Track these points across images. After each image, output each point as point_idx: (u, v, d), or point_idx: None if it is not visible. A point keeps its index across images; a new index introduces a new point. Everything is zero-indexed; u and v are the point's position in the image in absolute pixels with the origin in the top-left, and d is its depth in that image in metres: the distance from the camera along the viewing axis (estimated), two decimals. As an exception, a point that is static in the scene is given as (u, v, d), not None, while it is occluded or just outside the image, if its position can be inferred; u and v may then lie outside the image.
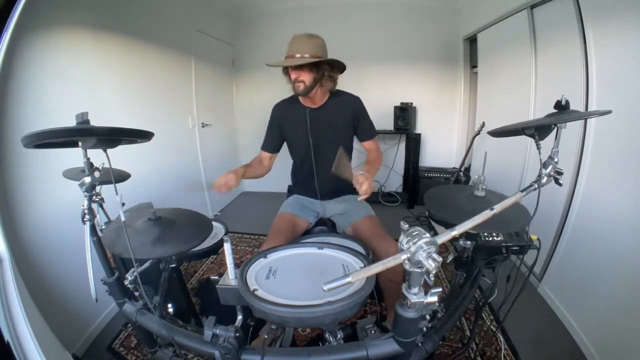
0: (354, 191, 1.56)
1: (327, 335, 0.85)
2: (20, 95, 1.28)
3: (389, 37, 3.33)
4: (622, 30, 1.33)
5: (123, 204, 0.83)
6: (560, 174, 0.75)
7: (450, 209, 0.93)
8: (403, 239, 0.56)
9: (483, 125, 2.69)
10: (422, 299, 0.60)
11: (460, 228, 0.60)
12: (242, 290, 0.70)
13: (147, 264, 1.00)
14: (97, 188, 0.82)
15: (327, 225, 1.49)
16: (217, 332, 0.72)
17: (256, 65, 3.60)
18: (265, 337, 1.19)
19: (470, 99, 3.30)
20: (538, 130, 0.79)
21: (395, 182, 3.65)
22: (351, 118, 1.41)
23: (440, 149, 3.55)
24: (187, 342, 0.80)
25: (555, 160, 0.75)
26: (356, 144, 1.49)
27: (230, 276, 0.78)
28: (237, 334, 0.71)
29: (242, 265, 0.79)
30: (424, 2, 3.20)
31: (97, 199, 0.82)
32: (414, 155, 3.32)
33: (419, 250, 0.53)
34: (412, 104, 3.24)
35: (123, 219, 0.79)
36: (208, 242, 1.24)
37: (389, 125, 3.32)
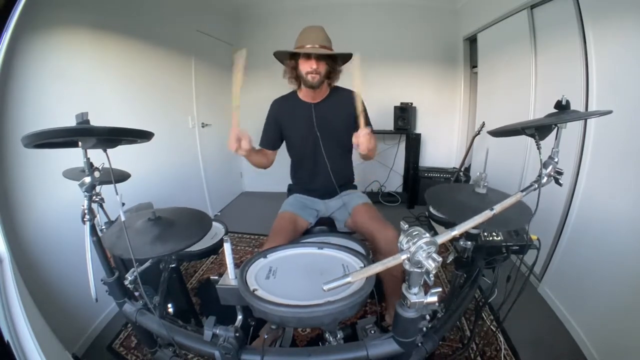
0: (354, 188, 1.57)
1: (327, 335, 0.85)
2: (20, 95, 1.28)
3: (389, 37, 3.33)
4: (622, 30, 1.33)
5: (123, 204, 0.83)
6: (560, 173, 0.75)
7: (451, 206, 0.93)
8: (403, 239, 0.56)
9: (483, 125, 2.69)
10: (422, 299, 0.60)
11: (461, 228, 0.60)
12: (242, 290, 0.70)
13: (147, 264, 1.00)
14: (97, 188, 0.82)
15: (327, 225, 1.49)
16: (217, 332, 0.72)
17: (256, 66, 3.59)
18: (265, 337, 1.19)
19: (470, 99, 3.30)
20: (538, 130, 0.79)
21: (395, 182, 3.65)
22: (352, 113, 1.41)
23: (440, 149, 3.55)
24: (187, 342, 0.80)
25: (556, 160, 0.75)
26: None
27: (230, 276, 0.78)
28: (237, 334, 0.71)
29: (242, 265, 0.79)
30: (424, 2, 3.20)
31: (97, 199, 0.82)
32: (414, 155, 3.32)
33: (419, 250, 0.53)
34: (412, 104, 3.24)
35: (123, 218, 0.79)
36: (208, 242, 1.24)
37: (389, 125, 3.32)
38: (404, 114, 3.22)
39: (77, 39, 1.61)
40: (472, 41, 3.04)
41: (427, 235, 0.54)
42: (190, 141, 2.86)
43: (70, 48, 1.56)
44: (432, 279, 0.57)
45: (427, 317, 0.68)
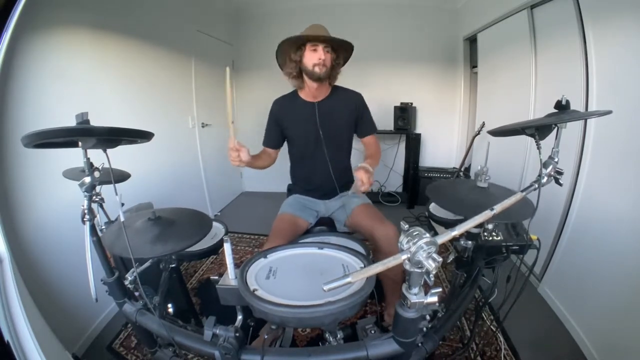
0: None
1: (327, 335, 0.85)
2: (20, 95, 1.28)
3: (389, 37, 3.33)
4: (622, 30, 1.33)
5: (122, 204, 0.83)
6: (560, 173, 0.75)
7: (453, 200, 0.93)
8: (403, 239, 0.56)
9: (483, 125, 2.69)
10: (422, 299, 0.60)
11: (461, 228, 0.60)
12: (242, 290, 0.70)
13: (147, 264, 1.00)
14: (97, 188, 0.82)
15: (327, 225, 1.49)
16: (217, 332, 0.72)
17: (256, 66, 3.61)
18: (265, 337, 1.19)
19: (470, 99, 3.30)
20: (538, 130, 0.79)
21: (395, 182, 3.65)
22: (354, 114, 1.42)
23: (440, 149, 3.56)
24: (187, 342, 0.80)
25: (556, 160, 0.75)
26: (355, 143, 1.49)
27: (230, 276, 0.78)
28: (237, 334, 0.71)
29: (242, 265, 0.79)
30: (424, 2, 3.20)
31: (97, 199, 0.82)
32: (414, 155, 3.32)
33: (419, 250, 0.53)
34: (412, 104, 3.24)
35: (122, 219, 0.79)
36: (208, 242, 1.24)
37: (389, 125, 3.32)
38: (404, 114, 3.22)
39: (77, 39, 1.61)
40: (472, 41, 3.04)
41: (427, 235, 0.54)
42: (190, 141, 2.86)
43: (70, 48, 1.56)
44: (432, 279, 0.57)
45: (427, 317, 0.68)
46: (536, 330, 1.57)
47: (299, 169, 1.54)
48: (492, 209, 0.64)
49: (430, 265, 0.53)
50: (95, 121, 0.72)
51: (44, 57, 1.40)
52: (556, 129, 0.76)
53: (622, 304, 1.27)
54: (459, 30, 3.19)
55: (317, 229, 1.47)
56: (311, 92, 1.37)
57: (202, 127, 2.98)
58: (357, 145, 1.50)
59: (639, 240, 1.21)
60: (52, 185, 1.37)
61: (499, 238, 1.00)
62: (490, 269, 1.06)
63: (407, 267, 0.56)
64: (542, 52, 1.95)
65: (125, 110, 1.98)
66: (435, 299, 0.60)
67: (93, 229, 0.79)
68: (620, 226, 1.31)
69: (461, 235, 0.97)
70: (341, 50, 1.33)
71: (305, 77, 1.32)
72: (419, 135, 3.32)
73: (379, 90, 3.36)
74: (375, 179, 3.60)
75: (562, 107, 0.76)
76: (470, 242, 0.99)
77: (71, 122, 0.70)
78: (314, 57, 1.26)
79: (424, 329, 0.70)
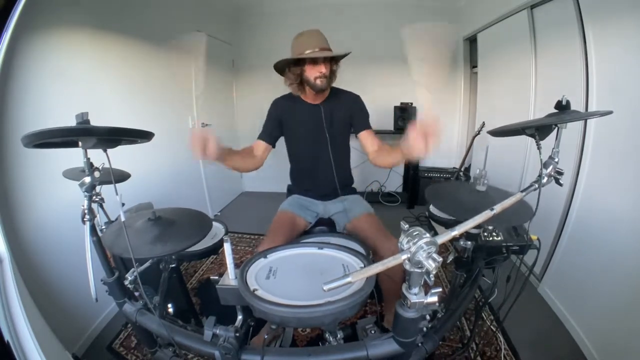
0: (354, 191, 1.57)
1: (327, 335, 0.85)
2: (20, 95, 1.28)
3: (389, 37, 3.33)
4: (622, 30, 1.33)
5: (123, 204, 0.83)
6: (560, 173, 0.75)
7: (452, 203, 0.93)
8: (403, 239, 0.56)
9: (483, 125, 2.68)
10: (422, 299, 0.60)
11: (461, 228, 0.60)
12: (242, 290, 0.70)
13: (147, 264, 1.00)
14: (97, 188, 0.82)
15: (326, 225, 1.49)
16: (217, 332, 0.72)
17: (256, 66, 3.60)
18: (265, 337, 1.19)
19: (470, 99, 3.30)
20: (538, 130, 0.79)
21: (395, 182, 3.65)
22: (350, 114, 1.41)
23: (440, 149, 3.54)
24: (187, 342, 0.80)
25: (556, 160, 0.75)
26: (354, 142, 1.49)
27: (230, 276, 0.78)
28: (237, 334, 0.71)
29: (242, 265, 0.79)
30: (424, 2, 3.20)
31: (97, 199, 0.82)
32: (414, 155, 3.31)
33: (419, 250, 0.53)
34: (412, 104, 3.23)
35: (123, 219, 0.79)
36: (208, 242, 1.24)
37: (389, 125, 3.31)
38: (404, 114, 3.22)
39: (77, 39, 1.61)
40: (472, 41, 3.04)
41: (427, 235, 0.54)
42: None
43: (70, 48, 1.56)
44: (432, 279, 0.57)
45: (427, 317, 0.68)
46: (536, 330, 1.57)
47: (299, 170, 1.54)
48: (492, 209, 0.64)
49: (430, 265, 0.53)
50: (95, 121, 0.72)
51: (44, 57, 1.40)
52: (556, 129, 0.76)
53: (622, 304, 1.26)
54: (459, 30, 3.19)
55: (317, 229, 1.48)
56: (312, 95, 1.37)
57: (202, 127, 2.98)
58: (356, 145, 1.49)
59: (639, 240, 1.21)
60: (52, 185, 1.37)
61: (499, 238, 1.00)
62: (490, 269, 1.06)
63: (407, 267, 0.56)
64: (542, 52, 1.95)
65: (125, 110, 1.98)
66: (435, 299, 0.60)
67: (93, 229, 0.79)
68: (620, 226, 1.31)
69: (461, 236, 0.97)
70: (339, 57, 1.32)
71: (307, 86, 1.32)
72: (419, 135, 3.31)
73: (379, 90, 3.36)
74: (375, 179, 3.61)
75: (562, 107, 0.76)
76: (470, 242, 0.99)
77: (71, 122, 0.70)
78: (315, 71, 1.25)
79: (424, 329, 0.70)
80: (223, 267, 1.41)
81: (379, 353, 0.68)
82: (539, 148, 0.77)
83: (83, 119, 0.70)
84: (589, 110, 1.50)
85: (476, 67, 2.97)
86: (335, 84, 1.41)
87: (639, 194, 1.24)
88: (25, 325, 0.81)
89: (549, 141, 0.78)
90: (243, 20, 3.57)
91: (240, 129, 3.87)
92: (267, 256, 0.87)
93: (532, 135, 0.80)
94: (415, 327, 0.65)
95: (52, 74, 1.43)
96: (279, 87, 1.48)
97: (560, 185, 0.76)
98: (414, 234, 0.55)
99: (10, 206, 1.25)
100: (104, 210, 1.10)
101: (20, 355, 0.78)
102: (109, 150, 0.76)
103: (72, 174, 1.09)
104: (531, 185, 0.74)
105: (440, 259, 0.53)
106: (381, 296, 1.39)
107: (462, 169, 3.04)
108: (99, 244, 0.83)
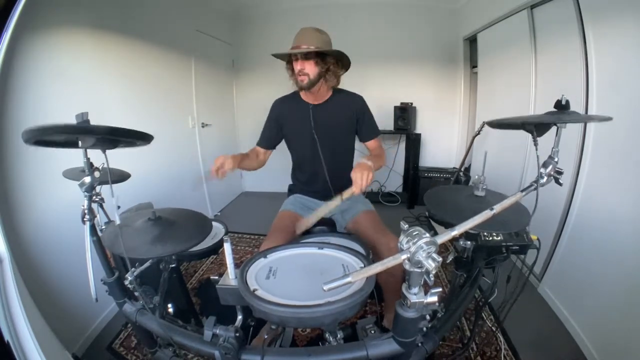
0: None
1: (327, 335, 0.85)
2: (20, 95, 1.28)
3: (389, 37, 3.33)
4: (622, 30, 1.33)
5: (119, 207, 0.82)
6: (560, 173, 0.75)
7: (450, 208, 0.93)
8: (403, 239, 0.56)
9: (483, 125, 2.68)
10: (422, 299, 0.60)
11: (460, 228, 0.60)
12: (242, 290, 0.70)
13: (147, 264, 1.00)
14: (97, 188, 0.82)
15: (327, 225, 1.48)
16: (217, 332, 0.72)
17: (256, 65, 3.61)
18: (265, 337, 1.19)
19: (470, 99, 3.30)
20: (536, 126, 0.79)
21: (395, 182, 3.65)
22: (354, 117, 1.41)
23: (440, 149, 3.55)
24: (187, 342, 0.80)
25: (555, 160, 0.74)
26: (358, 144, 1.49)
27: (230, 276, 0.78)
28: (237, 334, 0.71)
29: (242, 265, 0.79)
30: (424, 2, 3.20)
31: (97, 199, 0.82)
32: (414, 155, 3.32)
33: (419, 250, 0.53)
34: (412, 104, 3.23)
35: (118, 222, 0.79)
36: (208, 242, 1.24)
37: (389, 125, 3.31)
38: (404, 114, 3.21)
39: (77, 39, 1.61)
40: (472, 41, 3.04)
41: (427, 235, 0.54)
42: (190, 141, 2.86)
43: (70, 48, 1.56)
44: (432, 279, 0.57)
45: (427, 317, 0.68)
46: (536, 330, 1.57)
47: (298, 170, 1.54)
48: (491, 209, 0.64)
49: (430, 265, 0.53)
50: (96, 121, 0.72)
51: (44, 57, 1.40)
52: (556, 128, 0.76)
53: (622, 304, 1.26)
54: (459, 30, 3.19)
55: (317, 228, 1.47)
56: (310, 95, 1.37)
57: (202, 127, 2.98)
58: (360, 147, 1.49)
59: (639, 240, 1.21)
60: (52, 185, 1.37)
61: (499, 238, 1.00)
62: (490, 269, 1.06)
63: (407, 267, 0.56)
64: (542, 52, 1.95)
65: (125, 110, 1.98)
66: (435, 298, 0.60)
67: (93, 229, 0.79)
68: (620, 226, 1.31)
69: (461, 236, 0.97)
70: (330, 57, 1.28)
71: None
72: (419, 135, 3.32)
73: (379, 90, 3.36)
74: (376, 179, 3.61)
75: (561, 107, 0.76)
76: (470, 242, 0.99)
77: (71, 122, 0.70)
78: (297, 67, 1.26)
79: (424, 328, 0.70)
80: (223, 267, 1.41)
81: (378, 353, 0.68)
82: (535, 144, 0.76)
83: (83, 119, 0.70)
84: (589, 110, 1.50)
85: (476, 67, 2.97)
86: (339, 87, 1.41)
87: (639, 194, 1.24)
88: (25, 325, 0.81)
89: (548, 141, 0.78)
90: (243, 20, 3.58)
91: (240, 128, 3.88)
92: (267, 256, 0.87)
93: (530, 131, 0.80)
94: (415, 327, 0.65)
95: (52, 74, 1.43)
96: (279, 86, 1.48)
97: (560, 184, 0.76)
98: (414, 233, 0.55)
99: (10, 206, 1.25)
100: (104, 210, 1.10)
101: (20, 355, 0.78)
102: (109, 151, 0.76)
103: (72, 174, 1.09)
104: (531, 185, 0.74)
105: (440, 259, 0.53)
106: (381, 296, 1.39)
107: (462, 169, 3.03)
108: (99, 244, 0.83)
